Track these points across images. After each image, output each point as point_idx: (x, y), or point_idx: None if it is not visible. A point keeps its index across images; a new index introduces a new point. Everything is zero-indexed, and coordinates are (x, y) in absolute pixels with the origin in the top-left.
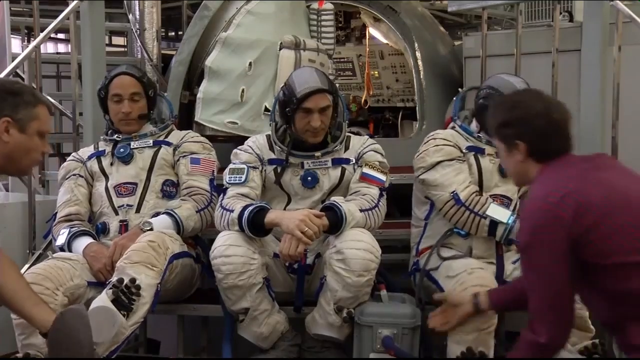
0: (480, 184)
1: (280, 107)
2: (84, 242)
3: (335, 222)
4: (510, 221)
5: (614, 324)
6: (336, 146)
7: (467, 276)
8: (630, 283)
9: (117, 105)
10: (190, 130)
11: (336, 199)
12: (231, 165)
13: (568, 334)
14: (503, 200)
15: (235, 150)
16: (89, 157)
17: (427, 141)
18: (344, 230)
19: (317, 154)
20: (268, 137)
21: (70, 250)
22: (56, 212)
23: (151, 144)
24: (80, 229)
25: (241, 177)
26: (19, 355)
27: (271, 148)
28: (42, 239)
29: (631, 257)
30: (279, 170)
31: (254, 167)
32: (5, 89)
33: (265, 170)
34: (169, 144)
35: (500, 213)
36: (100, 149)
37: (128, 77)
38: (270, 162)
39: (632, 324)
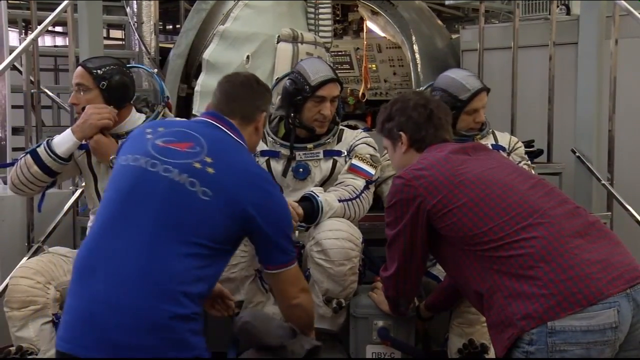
0: None
1: (287, 96)
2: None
3: (311, 212)
4: None
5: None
6: (328, 138)
7: None
8: (466, 259)
9: None
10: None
11: (314, 189)
12: None
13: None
14: None
15: None
16: (79, 147)
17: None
18: (320, 220)
19: (309, 145)
20: None
21: (51, 150)
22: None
23: None
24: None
25: None
26: (12, 348)
27: (264, 139)
28: (40, 232)
29: (470, 232)
30: (270, 162)
31: None
32: (261, 84)
33: (257, 162)
34: None
35: None
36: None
37: (80, 67)
38: (263, 153)
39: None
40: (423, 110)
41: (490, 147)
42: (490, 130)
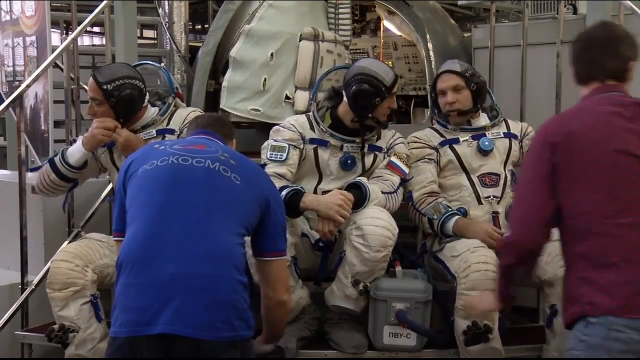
0: (464, 168)
1: (363, 98)
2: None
3: (359, 199)
4: (442, 216)
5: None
6: (373, 134)
7: (470, 255)
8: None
9: None
10: (192, 109)
11: (361, 178)
12: (272, 142)
13: (536, 237)
14: (492, 178)
15: (277, 127)
16: (102, 146)
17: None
18: (366, 206)
19: (358, 139)
20: (308, 117)
21: (65, 161)
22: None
23: (154, 134)
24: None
25: (282, 155)
26: (55, 326)
27: (312, 127)
28: (79, 218)
29: (575, 207)
30: (318, 150)
31: (295, 147)
32: (226, 119)
33: (305, 149)
34: (172, 131)
35: (434, 211)
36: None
37: (91, 80)
38: (312, 141)
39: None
40: (582, 43)
41: (503, 135)
42: (502, 119)
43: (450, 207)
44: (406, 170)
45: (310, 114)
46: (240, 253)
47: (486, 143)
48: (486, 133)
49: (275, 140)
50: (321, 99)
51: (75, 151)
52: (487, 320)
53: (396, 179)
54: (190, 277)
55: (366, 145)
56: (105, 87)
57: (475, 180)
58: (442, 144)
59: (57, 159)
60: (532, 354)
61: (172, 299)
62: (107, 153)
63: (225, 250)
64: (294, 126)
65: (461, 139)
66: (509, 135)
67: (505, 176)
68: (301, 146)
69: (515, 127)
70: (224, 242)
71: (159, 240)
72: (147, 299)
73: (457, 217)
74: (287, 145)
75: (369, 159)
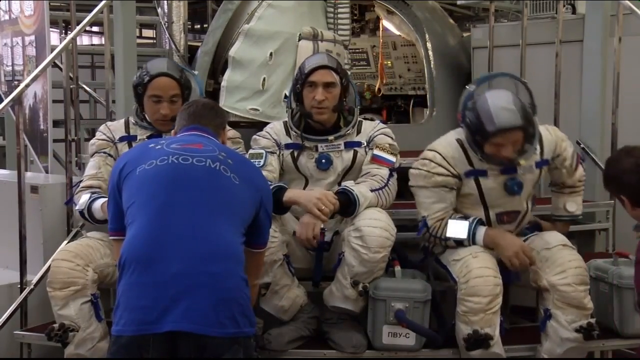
0: (483, 202)
1: (292, 87)
2: (101, 200)
3: (347, 204)
4: (470, 231)
5: None
6: (348, 130)
7: (472, 259)
8: None
9: (155, 105)
10: None
11: (347, 183)
12: (251, 151)
13: None
14: (511, 216)
15: (254, 137)
16: (120, 139)
17: (425, 159)
18: (358, 211)
19: (331, 137)
20: (285, 123)
21: (89, 212)
22: (80, 181)
23: None
24: (100, 195)
25: (260, 162)
26: (55, 326)
27: (288, 133)
28: (78, 218)
29: None
30: (295, 153)
31: (272, 152)
32: (217, 106)
33: (282, 154)
34: None
35: (459, 230)
36: (132, 133)
37: (169, 79)
38: (287, 146)
39: None
40: (636, 174)
41: (535, 166)
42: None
43: (465, 218)
44: (392, 159)
45: (286, 119)
46: (242, 251)
47: (515, 188)
48: (518, 169)
49: (253, 149)
50: (294, 105)
51: (99, 211)
52: (488, 326)
53: (385, 172)
54: (196, 276)
55: (320, 145)
56: (182, 81)
57: (492, 215)
58: (467, 174)
59: (86, 215)
60: (531, 354)
61: (178, 297)
62: (126, 146)
63: (229, 248)
64: (269, 134)
65: (489, 172)
66: (540, 164)
67: (526, 210)
68: (277, 152)
69: (549, 146)
70: (227, 241)
71: (162, 239)
72: (152, 298)
73: (483, 227)
74: (263, 152)
75: (347, 156)
